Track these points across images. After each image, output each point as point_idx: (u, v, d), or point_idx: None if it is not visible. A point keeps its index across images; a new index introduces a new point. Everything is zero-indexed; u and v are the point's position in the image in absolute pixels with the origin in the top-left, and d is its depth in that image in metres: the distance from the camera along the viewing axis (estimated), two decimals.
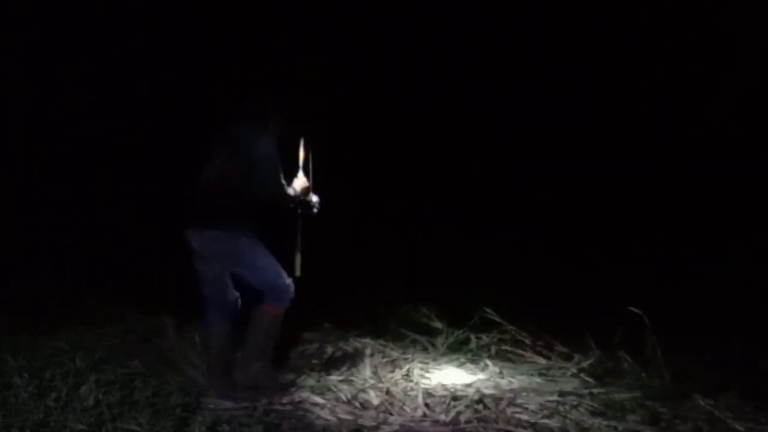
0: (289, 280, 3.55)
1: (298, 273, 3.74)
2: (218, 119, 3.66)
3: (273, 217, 3.54)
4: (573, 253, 6.00)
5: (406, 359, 4.19)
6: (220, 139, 3.55)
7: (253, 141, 3.45)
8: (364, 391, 3.69)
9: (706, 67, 6.05)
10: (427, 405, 3.50)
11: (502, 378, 3.94)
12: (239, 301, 3.65)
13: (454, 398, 3.57)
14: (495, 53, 6.55)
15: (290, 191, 3.61)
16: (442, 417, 3.37)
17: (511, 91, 6.59)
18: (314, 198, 3.76)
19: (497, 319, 4.53)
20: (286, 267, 3.58)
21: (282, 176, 3.53)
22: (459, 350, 4.38)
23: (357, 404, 3.52)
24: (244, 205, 3.48)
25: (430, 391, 3.71)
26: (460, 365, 4.17)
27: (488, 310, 4.54)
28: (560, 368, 4.13)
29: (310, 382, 3.77)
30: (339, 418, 3.31)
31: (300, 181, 3.71)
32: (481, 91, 6.73)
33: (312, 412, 3.37)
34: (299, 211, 3.75)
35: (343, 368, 4.01)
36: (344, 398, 3.59)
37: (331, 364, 4.01)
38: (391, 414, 3.40)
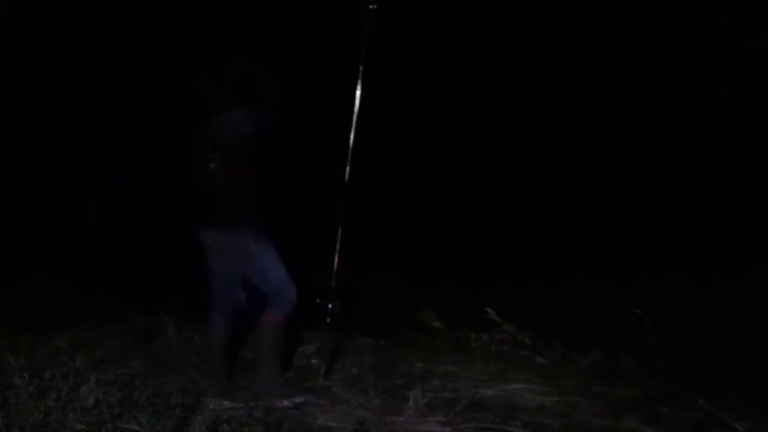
0: (293, 288, 3.53)
1: None
2: (195, 117, 3.61)
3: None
4: (574, 253, 6.00)
5: (406, 359, 4.19)
6: (207, 143, 3.47)
7: (236, 132, 3.41)
8: (364, 391, 3.69)
9: None
10: (427, 405, 3.50)
11: (502, 378, 3.94)
12: (244, 302, 3.65)
13: (454, 398, 3.57)
14: None
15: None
16: (442, 417, 3.37)
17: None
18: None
19: (497, 319, 4.53)
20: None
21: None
22: (459, 350, 4.38)
23: (357, 404, 3.52)
24: (251, 203, 3.48)
25: (430, 391, 3.71)
26: (460, 365, 4.17)
27: (488, 310, 4.54)
28: (560, 368, 4.13)
29: (310, 382, 3.77)
30: (339, 418, 3.31)
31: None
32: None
33: (312, 413, 3.37)
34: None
35: (343, 368, 4.01)
36: (344, 398, 3.59)
37: (331, 364, 4.01)
38: (391, 414, 3.40)
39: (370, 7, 3.65)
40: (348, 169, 3.70)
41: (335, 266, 3.74)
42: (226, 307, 3.65)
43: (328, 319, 3.86)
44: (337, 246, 3.75)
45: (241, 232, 3.47)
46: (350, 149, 3.70)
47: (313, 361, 4.02)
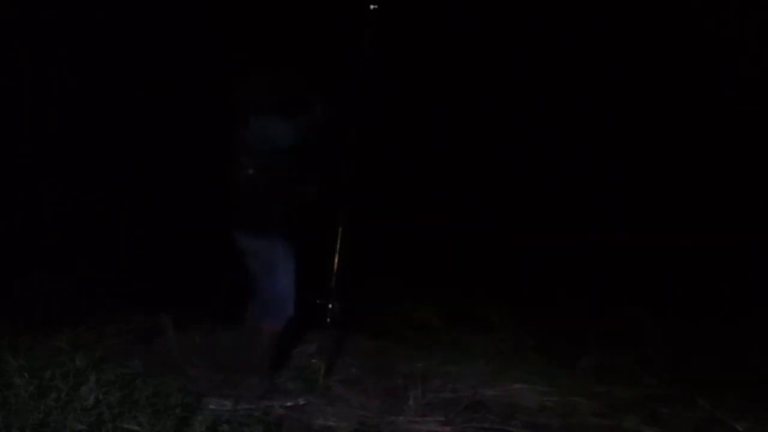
0: (291, 302, 3.56)
1: None
2: (231, 121, 3.62)
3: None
4: (573, 253, 6.00)
5: (406, 359, 4.19)
6: (247, 149, 3.48)
7: (279, 143, 3.44)
8: (364, 391, 3.69)
9: None
10: (427, 405, 3.50)
11: (502, 378, 3.94)
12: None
13: (454, 398, 3.57)
14: None
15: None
16: (442, 417, 3.37)
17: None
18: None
19: (497, 319, 4.54)
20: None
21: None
22: (459, 350, 4.38)
23: (357, 404, 3.52)
24: (283, 209, 3.52)
25: (430, 391, 3.71)
26: (460, 365, 4.17)
27: (488, 311, 4.54)
28: (560, 368, 4.13)
29: (310, 382, 3.77)
30: (339, 418, 3.31)
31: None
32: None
33: (312, 413, 3.37)
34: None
35: (343, 368, 4.01)
36: (344, 398, 3.59)
37: (331, 364, 4.01)
38: (391, 414, 3.39)
39: (371, 7, 3.65)
40: (348, 169, 3.70)
41: (335, 267, 3.74)
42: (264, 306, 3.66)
43: (328, 319, 3.85)
44: (337, 246, 3.75)
45: (269, 236, 3.51)
46: (350, 149, 3.70)
47: (313, 361, 4.01)
